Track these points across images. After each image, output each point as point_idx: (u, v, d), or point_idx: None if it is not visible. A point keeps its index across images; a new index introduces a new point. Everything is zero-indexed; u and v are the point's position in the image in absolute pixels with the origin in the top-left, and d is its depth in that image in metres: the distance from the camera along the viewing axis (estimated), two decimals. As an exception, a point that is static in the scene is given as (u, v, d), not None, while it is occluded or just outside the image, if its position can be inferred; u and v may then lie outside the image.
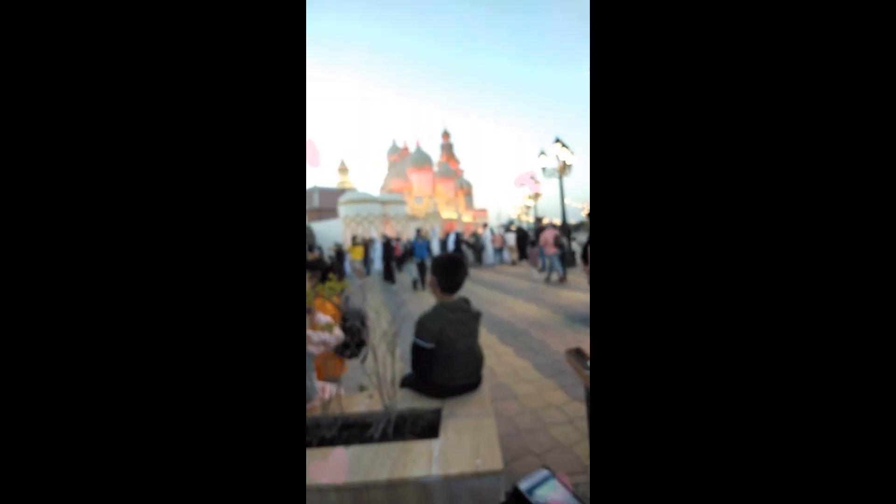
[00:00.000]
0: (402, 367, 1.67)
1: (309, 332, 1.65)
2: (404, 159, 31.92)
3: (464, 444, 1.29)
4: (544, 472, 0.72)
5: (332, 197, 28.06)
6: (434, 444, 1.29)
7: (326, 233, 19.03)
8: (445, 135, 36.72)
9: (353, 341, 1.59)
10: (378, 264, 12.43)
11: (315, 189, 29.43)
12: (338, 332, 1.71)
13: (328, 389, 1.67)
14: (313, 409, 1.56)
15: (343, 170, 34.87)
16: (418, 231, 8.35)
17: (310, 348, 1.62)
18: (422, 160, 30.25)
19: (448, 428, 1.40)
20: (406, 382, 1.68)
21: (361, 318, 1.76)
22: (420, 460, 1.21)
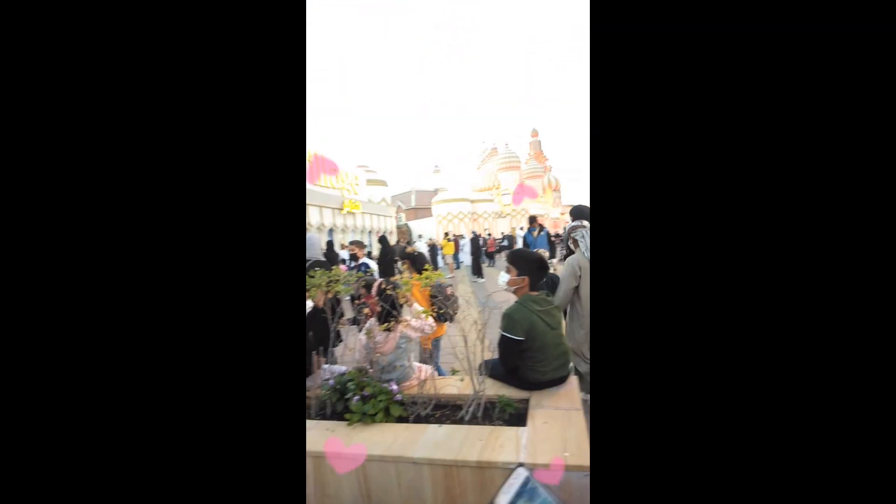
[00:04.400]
0: (490, 355, 1.73)
1: (409, 318, 1.80)
2: (493, 159, 31.98)
3: (552, 435, 1.29)
4: (522, 475, 0.66)
5: (427, 197, 29.54)
6: (522, 433, 1.32)
7: (422, 230, 20.08)
8: (534, 132, 35.75)
9: (440, 308, 2.00)
10: (467, 259, 12.67)
11: (412, 191, 31.36)
12: (430, 321, 1.84)
13: (423, 370, 1.81)
14: (410, 387, 1.71)
15: (437, 172, 36.41)
16: (532, 219, 6.24)
17: (409, 333, 1.77)
18: (510, 159, 29.99)
19: (535, 418, 1.41)
20: (494, 375, 1.73)
21: (442, 290, 2.14)
22: (508, 446, 1.25)
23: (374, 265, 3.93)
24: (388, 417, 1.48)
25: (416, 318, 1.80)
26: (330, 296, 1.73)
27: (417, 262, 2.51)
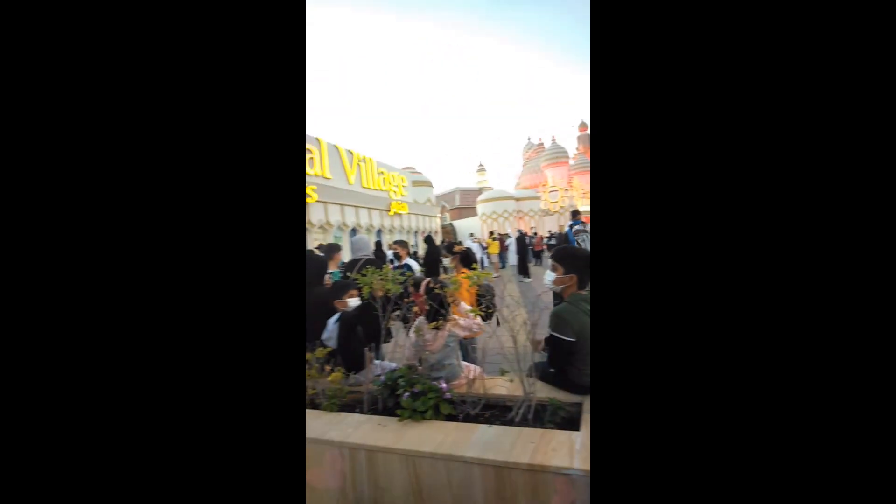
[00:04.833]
0: (540, 357, 1.68)
1: (457, 317, 1.81)
2: (539, 155, 31.24)
3: (609, 442, 1.23)
4: None
5: (471, 196, 29.56)
6: (576, 437, 1.27)
7: (466, 229, 20.09)
8: (583, 126, 34.34)
9: (488, 308, 2.08)
10: (512, 258, 12.50)
11: (457, 190, 31.48)
12: (479, 320, 1.83)
13: (472, 370, 1.80)
14: (459, 386, 1.71)
15: (481, 171, 36.28)
16: (575, 214, 5.88)
17: (457, 332, 1.77)
18: (557, 154, 29.08)
19: (589, 423, 1.35)
20: (544, 378, 1.68)
21: (490, 290, 2.24)
22: (561, 450, 1.21)
23: (416, 266, 3.98)
24: (438, 415, 1.49)
25: (464, 317, 1.80)
26: (380, 294, 1.78)
27: (466, 259, 2.54)
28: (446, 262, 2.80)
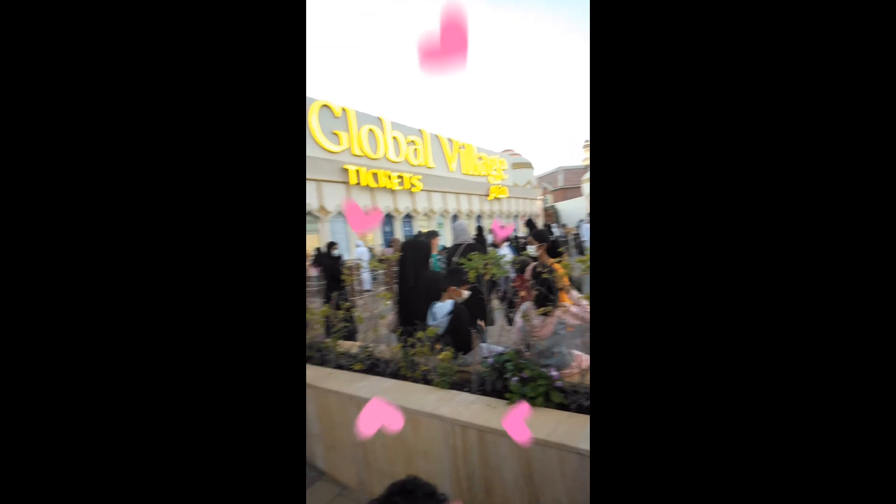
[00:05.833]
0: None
1: (568, 305, 1.72)
2: (658, 123, 27.47)
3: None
4: None
5: (576, 175, 27.74)
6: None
7: (572, 211, 18.95)
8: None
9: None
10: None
11: (560, 169, 29.78)
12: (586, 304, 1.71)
13: (583, 359, 1.70)
14: (571, 375, 1.64)
15: (587, 146, 33.76)
16: None
17: (568, 319, 1.69)
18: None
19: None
20: None
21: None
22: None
23: (510, 256, 3.88)
24: (549, 403, 1.45)
25: (575, 304, 1.70)
26: (486, 278, 1.79)
27: (553, 249, 2.41)
28: (531, 249, 2.58)
